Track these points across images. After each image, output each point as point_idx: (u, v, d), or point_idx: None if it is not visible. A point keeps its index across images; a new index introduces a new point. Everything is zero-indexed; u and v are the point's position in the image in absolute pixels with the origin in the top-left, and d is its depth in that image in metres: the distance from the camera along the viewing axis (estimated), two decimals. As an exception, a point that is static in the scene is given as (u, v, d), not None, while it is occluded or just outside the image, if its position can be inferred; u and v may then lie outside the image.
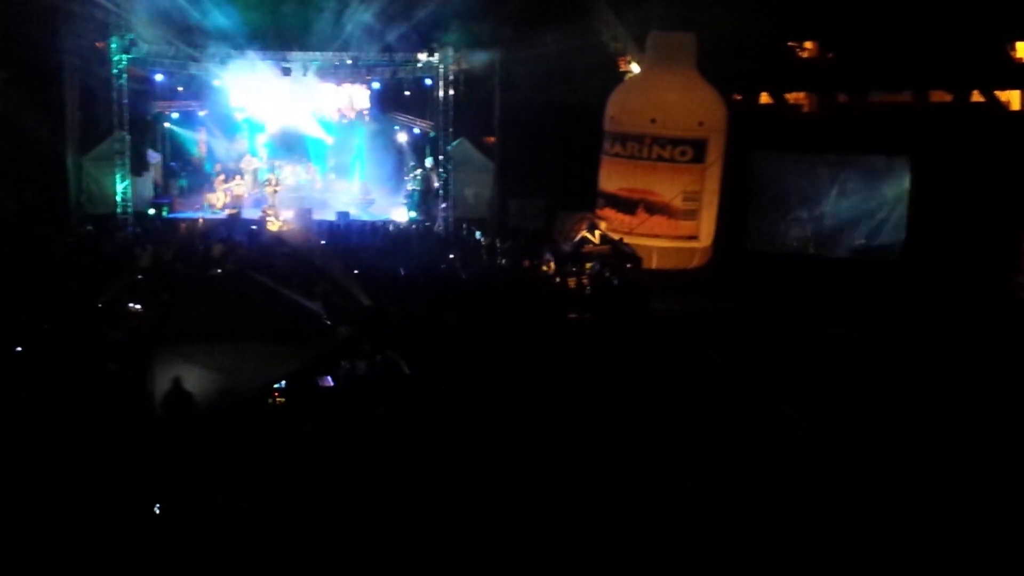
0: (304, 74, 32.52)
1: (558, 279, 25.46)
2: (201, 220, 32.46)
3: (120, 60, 30.64)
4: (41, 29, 30.13)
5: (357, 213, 33.91)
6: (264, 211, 32.45)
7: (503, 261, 27.42)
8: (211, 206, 34.31)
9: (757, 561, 11.70)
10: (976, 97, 32.03)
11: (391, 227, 32.34)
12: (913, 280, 26.02)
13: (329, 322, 18.10)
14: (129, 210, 31.50)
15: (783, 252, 29.81)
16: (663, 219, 29.05)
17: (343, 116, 36.08)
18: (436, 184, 33.97)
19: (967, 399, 17.25)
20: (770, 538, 12.13)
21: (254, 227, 30.76)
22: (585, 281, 24.92)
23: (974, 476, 13.89)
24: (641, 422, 15.62)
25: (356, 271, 24.96)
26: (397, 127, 36.82)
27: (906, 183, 29.47)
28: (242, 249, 27.17)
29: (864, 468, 14.05)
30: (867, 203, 29.81)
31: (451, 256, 28.36)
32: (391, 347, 17.81)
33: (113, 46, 30.51)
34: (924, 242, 28.09)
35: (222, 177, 35.42)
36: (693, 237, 29.34)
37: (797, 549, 11.94)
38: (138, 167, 32.67)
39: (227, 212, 33.24)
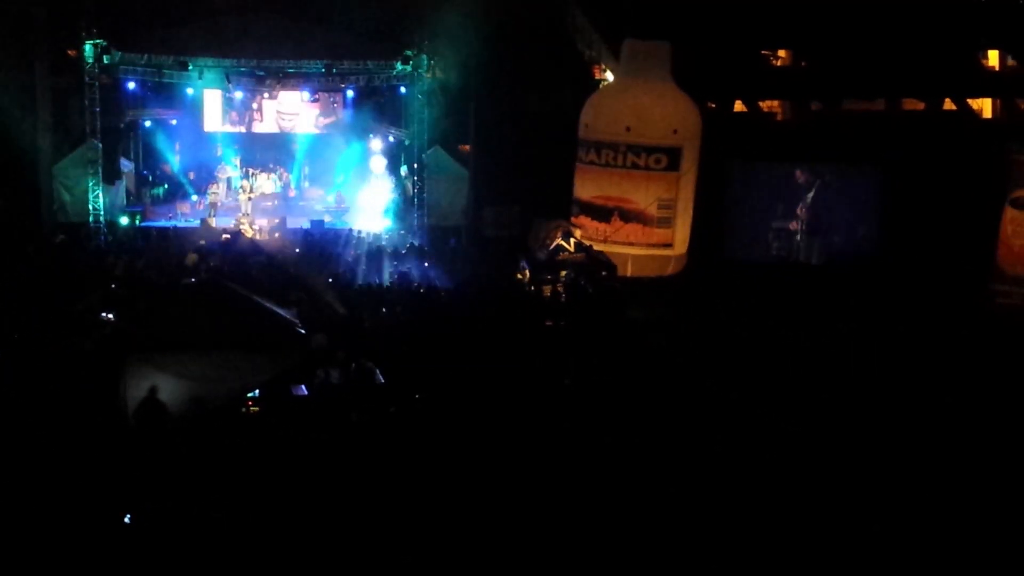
0: (278, 82, 32.46)
1: (533, 287, 25.44)
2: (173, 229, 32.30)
3: (92, 68, 30.48)
4: (12, 36, 29.97)
5: (331, 221, 33.82)
6: (238, 219, 32.32)
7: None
8: (183, 215, 34.13)
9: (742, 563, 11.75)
10: (948, 105, 32.23)
11: (364, 235, 32.20)
12: (887, 287, 26.11)
13: (303, 330, 18.03)
14: (101, 219, 31.31)
15: (758, 259, 29.85)
16: (638, 227, 29.05)
17: (317, 124, 36.10)
18: (411, 192, 33.91)
19: (944, 402, 17.33)
20: (753, 539, 12.16)
21: (227, 235, 30.62)
22: (560, 289, 24.91)
23: (950, 476, 13.96)
24: (618, 429, 15.61)
25: (330, 279, 24.93)
26: (372, 135, 36.73)
27: (879, 191, 29.60)
28: (216, 258, 27.07)
29: (848, 472, 14.07)
30: (840, 211, 29.92)
31: (426, 264, 28.37)
32: (365, 355, 17.77)
33: (86, 53, 30.36)
34: (898, 249, 28.21)
35: (214, 185, 35.16)
36: (668, 245, 29.35)
37: (780, 551, 11.98)
38: (110, 175, 32.47)
39: (204, 222, 32.99)
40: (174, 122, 36.17)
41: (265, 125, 36.40)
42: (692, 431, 15.73)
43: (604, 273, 25.52)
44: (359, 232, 32.10)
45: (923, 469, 14.35)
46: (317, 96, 35.57)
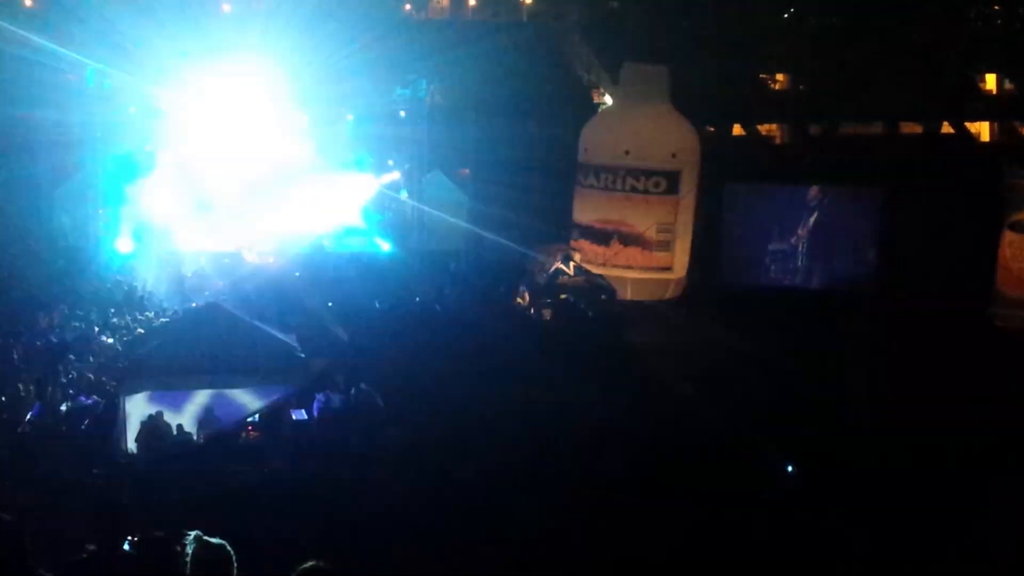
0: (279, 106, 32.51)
1: (533, 311, 25.45)
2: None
3: (93, 92, 30.54)
4: (14, 59, 30.04)
5: (331, 245, 33.76)
6: (238, 243, 32.27)
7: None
8: (184, 239, 34.03)
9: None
10: (946, 129, 32.33)
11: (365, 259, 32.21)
12: (886, 311, 26.09)
13: (303, 355, 18.03)
14: (103, 243, 31.30)
15: (757, 284, 29.85)
16: (637, 250, 29.09)
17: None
18: (410, 216, 33.94)
19: (946, 435, 17.27)
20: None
21: (227, 259, 30.62)
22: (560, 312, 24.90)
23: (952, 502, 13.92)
24: (618, 457, 15.59)
25: (331, 303, 24.92)
26: (372, 159, 36.74)
27: (878, 214, 29.61)
28: (216, 282, 27.11)
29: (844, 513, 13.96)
30: (839, 235, 29.91)
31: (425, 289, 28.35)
32: (365, 380, 17.78)
33: (87, 77, 30.43)
34: (896, 273, 28.19)
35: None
36: (667, 268, 29.38)
37: None
38: (111, 199, 32.45)
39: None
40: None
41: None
42: (689, 457, 15.70)
43: (603, 297, 25.55)
44: (360, 256, 32.11)
45: (924, 495, 14.31)
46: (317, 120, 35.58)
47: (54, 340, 20.68)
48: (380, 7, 32.74)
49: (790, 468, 15.21)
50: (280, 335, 18.30)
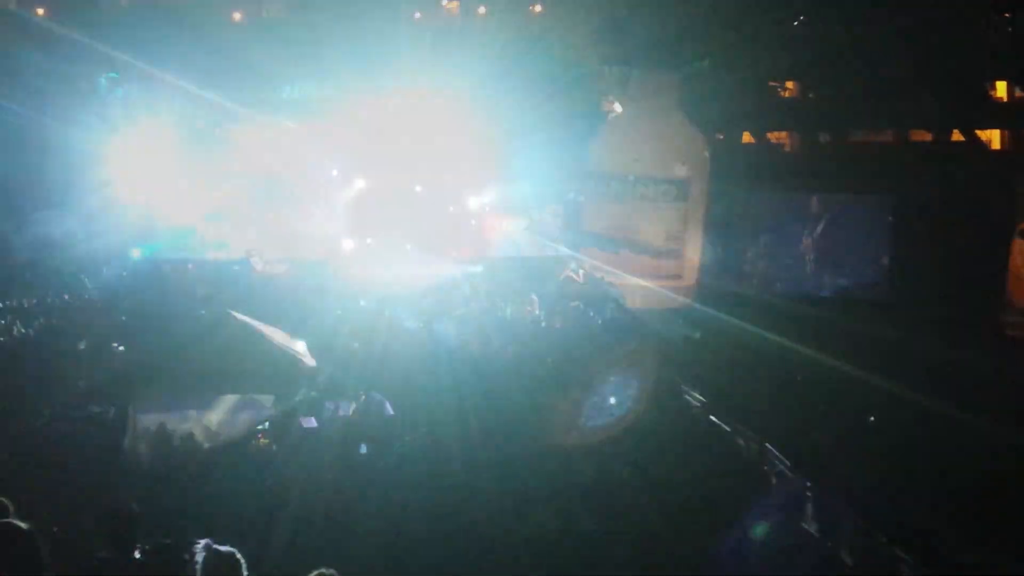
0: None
1: (543, 319, 25.42)
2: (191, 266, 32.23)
3: (105, 99, 30.59)
4: (25, 64, 30.13)
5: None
6: (248, 251, 32.26)
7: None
8: (193, 247, 34.02)
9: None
10: (957, 137, 32.24)
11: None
12: (894, 319, 26.04)
13: (313, 362, 18.06)
14: (113, 250, 31.29)
15: (765, 291, 29.83)
16: (647, 258, 29.07)
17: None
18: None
19: (949, 435, 17.27)
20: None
21: (237, 267, 30.64)
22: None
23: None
24: (622, 459, 15.61)
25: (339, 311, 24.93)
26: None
27: (887, 222, 29.58)
28: (225, 290, 27.13)
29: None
30: (848, 243, 29.90)
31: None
32: (375, 387, 17.81)
33: (100, 85, 30.48)
34: (905, 281, 28.16)
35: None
36: (677, 276, 29.35)
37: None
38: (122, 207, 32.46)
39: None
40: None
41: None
42: (699, 464, 15.72)
43: (613, 305, 25.52)
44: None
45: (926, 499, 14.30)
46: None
47: (63, 348, 20.73)
48: (388, 13, 32.64)
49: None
50: (290, 342, 18.33)
